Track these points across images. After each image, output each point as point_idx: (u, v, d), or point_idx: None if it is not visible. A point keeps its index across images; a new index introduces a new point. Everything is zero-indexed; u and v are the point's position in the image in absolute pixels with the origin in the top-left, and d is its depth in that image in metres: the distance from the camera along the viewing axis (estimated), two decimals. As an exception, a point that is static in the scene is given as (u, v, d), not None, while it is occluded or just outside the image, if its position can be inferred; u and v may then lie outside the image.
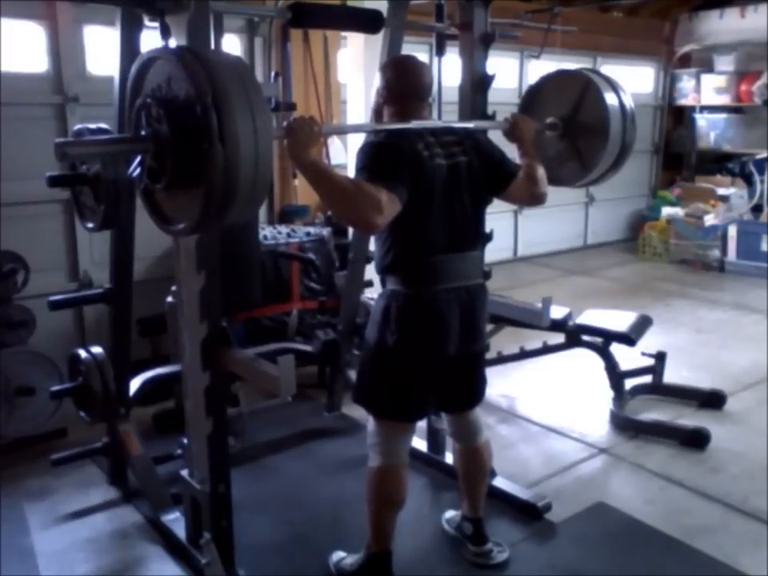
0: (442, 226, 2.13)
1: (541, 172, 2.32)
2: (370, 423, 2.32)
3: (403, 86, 2.21)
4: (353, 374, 3.60)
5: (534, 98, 2.79)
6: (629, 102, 2.58)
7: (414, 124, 2.14)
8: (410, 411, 2.28)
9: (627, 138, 2.57)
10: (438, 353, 2.20)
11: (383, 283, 2.25)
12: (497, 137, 2.40)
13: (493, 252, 3.11)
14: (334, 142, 5.26)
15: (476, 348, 2.32)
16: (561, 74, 2.75)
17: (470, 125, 2.43)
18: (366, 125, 2.09)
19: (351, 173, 2.11)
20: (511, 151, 2.41)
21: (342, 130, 2.18)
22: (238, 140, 1.55)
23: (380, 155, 2.02)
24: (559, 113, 2.65)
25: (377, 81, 2.26)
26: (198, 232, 1.93)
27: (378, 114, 2.28)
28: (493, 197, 2.32)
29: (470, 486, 2.58)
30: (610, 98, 2.55)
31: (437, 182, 2.10)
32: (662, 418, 3.64)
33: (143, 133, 1.69)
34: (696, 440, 3.38)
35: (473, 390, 2.42)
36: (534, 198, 2.34)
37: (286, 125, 1.85)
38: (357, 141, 4.27)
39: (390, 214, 1.93)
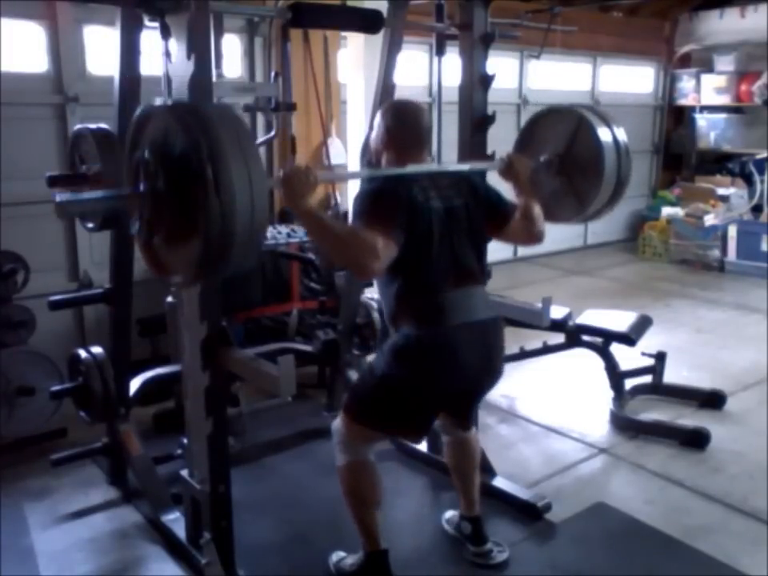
0: (444, 265, 2.14)
1: (537, 211, 2.34)
2: (339, 422, 2.31)
3: (403, 134, 2.24)
4: (353, 374, 3.61)
5: (529, 135, 2.79)
6: (622, 137, 2.59)
7: (409, 168, 2.17)
8: (415, 433, 2.31)
9: (622, 174, 2.58)
10: (451, 390, 2.22)
11: (396, 330, 2.23)
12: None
13: (493, 252, 3.10)
14: (334, 142, 5.27)
15: (492, 383, 2.32)
16: (554, 111, 2.74)
17: (466, 167, 2.46)
18: (363, 171, 2.16)
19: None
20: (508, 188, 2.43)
21: (341, 177, 2.24)
22: (233, 193, 1.57)
23: (376, 201, 2.06)
24: (554, 150, 2.65)
25: (377, 123, 2.29)
26: (196, 283, 1.97)
27: (377, 156, 2.31)
28: (491, 238, 2.35)
29: (462, 478, 2.59)
30: (604, 135, 2.55)
31: (434, 224, 2.12)
32: (662, 418, 3.64)
33: (141, 188, 1.71)
34: (696, 440, 3.38)
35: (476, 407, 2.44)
36: (531, 238, 2.37)
37: (282, 174, 1.89)
38: (356, 141, 4.27)
39: (386, 259, 1.96)
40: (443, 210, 2.15)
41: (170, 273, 1.79)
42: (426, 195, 2.13)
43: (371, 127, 2.34)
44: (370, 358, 2.21)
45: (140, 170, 1.72)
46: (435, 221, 2.12)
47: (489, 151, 2.93)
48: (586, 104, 2.70)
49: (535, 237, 2.35)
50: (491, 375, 2.28)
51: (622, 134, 2.59)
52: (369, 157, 2.66)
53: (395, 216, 2.02)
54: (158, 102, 1.81)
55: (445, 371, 2.14)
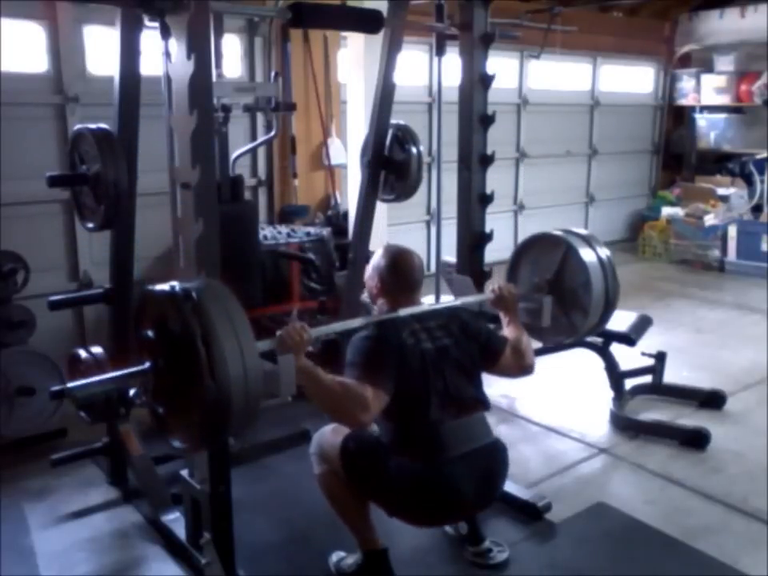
0: (439, 400, 2.18)
1: (526, 342, 2.45)
2: (324, 440, 2.33)
3: (396, 281, 2.33)
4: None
5: (520, 260, 2.88)
6: (606, 256, 2.69)
7: (401, 312, 2.27)
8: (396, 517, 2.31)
9: (610, 296, 2.67)
10: (444, 520, 2.36)
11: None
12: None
13: (493, 252, 3.12)
14: (334, 142, 5.27)
15: (492, 500, 2.36)
16: (544, 238, 2.82)
17: (457, 303, 2.57)
18: (355, 321, 2.29)
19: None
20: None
21: (335, 329, 2.36)
22: (227, 371, 1.69)
23: (367, 352, 2.14)
24: (544, 276, 2.74)
25: (372, 265, 2.37)
26: (198, 451, 2.13)
27: (372, 298, 2.40)
28: (483, 372, 2.39)
29: None
30: (589, 258, 2.64)
31: (427, 364, 2.18)
32: (662, 418, 3.64)
33: (146, 365, 1.86)
34: (696, 440, 3.38)
35: None
36: (522, 370, 2.46)
37: (277, 336, 1.96)
38: (357, 141, 4.27)
39: (376, 410, 2.06)
40: (434, 349, 2.22)
41: (176, 438, 1.90)
42: (416, 338, 2.21)
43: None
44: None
45: (144, 347, 1.86)
46: (427, 361, 2.19)
47: (489, 151, 2.93)
48: (572, 230, 2.80)
49: (526, 369, 2.45)
50: (491, 497, 2.33)
51: (606, 255, 2.69)
52: (368, 158, 2.66)
53: (385, 366, 2.11)
54: (159, 289, 1.91)
55: (444, 505, 2.18)
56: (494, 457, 2.30)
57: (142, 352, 1.90)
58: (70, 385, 1.89)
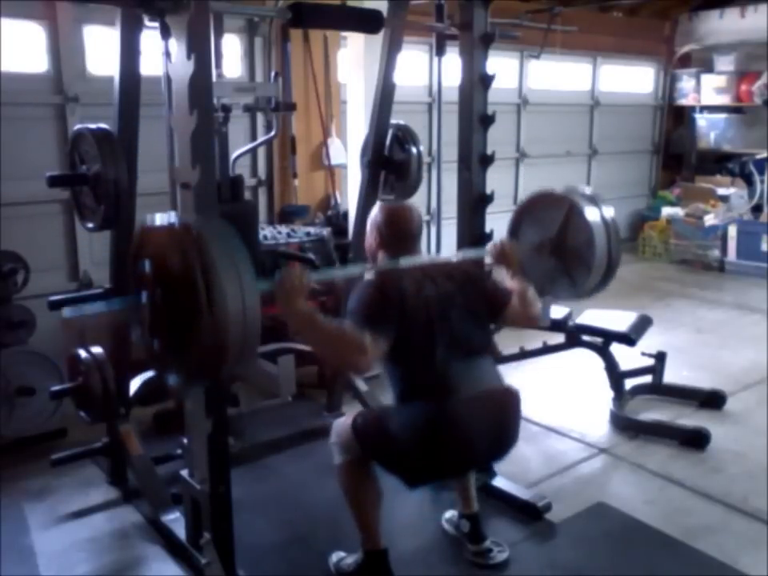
0: (446, 343, 2.17)
1: (531, 294, 2.41)
2: (341, 426, 2.33)
3: (394, 234, 2.34)
4: (353, 374, 3.61)
5: (522, 219, 2.85)
6: (611, 217, 2.66)
7: (402, 262, 2.26)
8: (412, 484, 2.30)
9: (613, 256, 2.65)
10: (460, 465, 2.28)
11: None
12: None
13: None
14: (334, 142, 5.27)
15: (503, 454, 2.34)
16: (546, 196, 2.80)
17: (459, 256, 2.54)
18: (356, 268, 2.29)
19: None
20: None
21: (335, 275, 2.37)
22: (226, 306, 1.66)
23: (367, 300, 2.15)
24: (547, 234, 2.72)
25: (370, 224, 2.38)
26: (194, 386, 2.08)
27: (372, 255, 2.39)
28: (491, 323, 2.39)
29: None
30: (594, 219, 2.61)
31: (431, 310, 2.18)
32: (662, 418, 3.64)
33: (142, 298, 1.82)
34: (696, 440, 3.38)
35: None
36: (529, 321, 2.45)
37: (276, 280, 1.96)
38: (357, 141, 4.27)
39: (375, 355, 2.05)
40: (438, 296, 2.22)
41: (171, 373, 1.88)
42: (419, 285, 2.20)
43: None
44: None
45: (142, 280, 1.82)
46: (430, 306, 2.19)
47: (489, 151, 2.93)
48: (575, 188, 2.78)
49: (533, 320, 2.44)
50: (504, 446, 2.31)
51: (610, 215, 2.66)
52: (368, 158, 2.66)
53: (386, 313, 2.10)
54: (158, 218, 1.88)
55: (457, 447, 2.16)
56: (507, 401, 2.28)
57: (139, 286, 1.85)
58: (66, 311, 1.83)
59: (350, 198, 4.93)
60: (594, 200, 2.69)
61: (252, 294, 1.73)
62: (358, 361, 2.03)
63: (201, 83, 2.01)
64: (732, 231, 6.94)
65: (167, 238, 1.78)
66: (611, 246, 2.63)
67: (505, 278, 2.47)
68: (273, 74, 4.65)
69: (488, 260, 2.54)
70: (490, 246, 2.56)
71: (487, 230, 3.01)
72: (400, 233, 2.34)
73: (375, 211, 2.40)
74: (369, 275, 2.25)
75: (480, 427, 2.16)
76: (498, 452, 2.33)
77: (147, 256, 1.83)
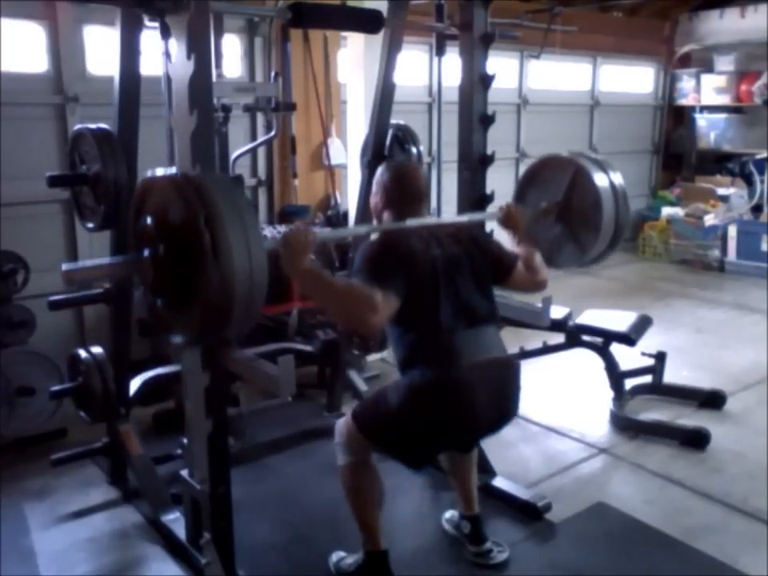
0: (452, 308, 2.15)
1: (538, 259, 2.39)
2: (343, 424, 2.32)
3: (400, 193, 2.30)
4: (353, 374, 3.61)
5: (528, 184, 2.83)
6: (619, 182, 2.63)
7: (408, 222, 2.22)
8: (417, 463, 2.31)
9: (621, 219, 2.62)
10: (462, 433, 2.25)
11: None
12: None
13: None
14: (334, 142, 5.26)
15: (505, 423, 2.32)
16: (552, 160, 2.77)
17: (464, 218, 2.51)
18: (363, 227, 2.22)
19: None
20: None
21: (340, 234, 2.32)
22: (231, 259, 1.60)
23: (375, 256, 2.11)
24: (553, 198, 2.69)
25: (375, 183, 2.35)
26: (198, 344, 2.03)
27: (378, 215, 2.35)
28: (496, 285, 2.37)
29: (459, 478, 2.60)
30: (601, 182, 2.58)
31: (438, 270, 2.15)
32: (662, 418, 3.64)
33: (144, 254, 1.76)
34: (696, 440, 3.38)
35: None
36: (536, 285, 2.42)
37: (281, 237, 1.93)
38: (357, 141, 4.27)
39: (386, 313, 1.99)
40: (444, 257, 2.18)
41: (174, 332, 1.85)
42: (425, 245, 2.17)
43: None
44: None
45: (143, 236, 1.77)
46: (438, 268, 2.15)
47: (489, 151, 2.93)
48: (583, 153, 2.74)
49: (540, 285, 2.42)
50: (504, 416, 2.29)
51: (618, 179, 2.63)
52: (368, 158, 2.66)
53: (394, 270, 2.06)
54: (159, 172, 1.85)
55: (458, 414, 2.14)
56: (508, 371, 2.27)
57: (141, 243, 1.79)
58: (64, 266, 1.77)
59: (350, 198, 4.93)
60: (601, 164, 2.66)
61: (259, 247, 1.68)
62: (370, 318, 1.95)
63: (201, 83, 2.01)
64: (732, 231, 6.94)
65: (170, 188, 1.73)
66: (619, 209, 2.59)
67: (511, 242, 2.44)
68: (273, 74, 4.66)
69: (494, 223, 2.50)
70: (496, 209, 2.52)
71: (487, 229, 3.02)
72: (407, 192, 2.30)
73: (381, 170, 2.35)
74: (374, 235, 2.19)
75: (481, 395, 2.13)
76: (498, 422, 2.29)
77: (149, 210, 1.77)
